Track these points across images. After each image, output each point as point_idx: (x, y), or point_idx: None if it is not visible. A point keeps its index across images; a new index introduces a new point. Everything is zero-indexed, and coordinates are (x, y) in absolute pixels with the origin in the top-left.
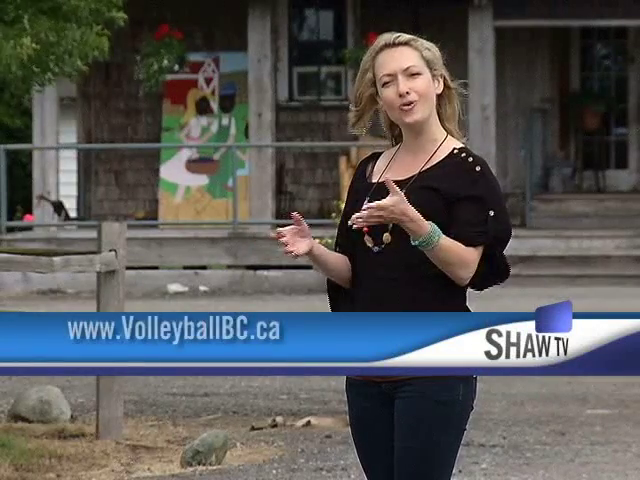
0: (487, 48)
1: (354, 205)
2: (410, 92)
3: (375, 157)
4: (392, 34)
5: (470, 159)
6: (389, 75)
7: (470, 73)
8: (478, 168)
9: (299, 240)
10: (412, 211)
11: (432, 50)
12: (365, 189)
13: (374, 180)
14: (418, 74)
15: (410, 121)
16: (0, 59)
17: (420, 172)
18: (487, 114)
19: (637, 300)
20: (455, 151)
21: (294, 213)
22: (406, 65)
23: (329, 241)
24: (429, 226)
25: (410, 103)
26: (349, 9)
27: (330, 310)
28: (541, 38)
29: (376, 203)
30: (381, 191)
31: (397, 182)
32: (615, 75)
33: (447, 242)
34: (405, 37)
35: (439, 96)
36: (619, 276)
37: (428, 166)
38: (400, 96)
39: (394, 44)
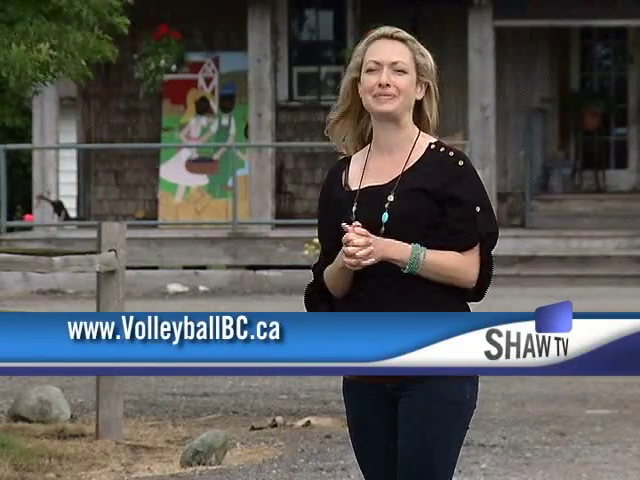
0: (487, 48)
1: (339, 216)
2: (391, 85)
3: (345, 163)
4: (393, 27)
5: (451, 154)
6: (376, 63)
7: (470, 73)
8: (461, 163)
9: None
10: (385, 240)
11: (426, 57)
12: (347, 198)
13: (353, 188)
14: (404, 72)
15: (380, 109)
16: (13, 62)
17: (403, 173)
18: (487, 114)
19: (637, 300)
20: (432, 146)
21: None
22: (395, 59)
23: None
24: (410, 246)
25: (387, 96)
26: (349, 9)
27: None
28: (541, 38)
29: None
30: (366, 198)
31: (380, 187)
32: (615, 75)
33: (434, 254)
34: (405, 34)
35: (420, 102)
36: (619, 276)
37: (409, 165)
38: (380, 86)
39: (391, 37)
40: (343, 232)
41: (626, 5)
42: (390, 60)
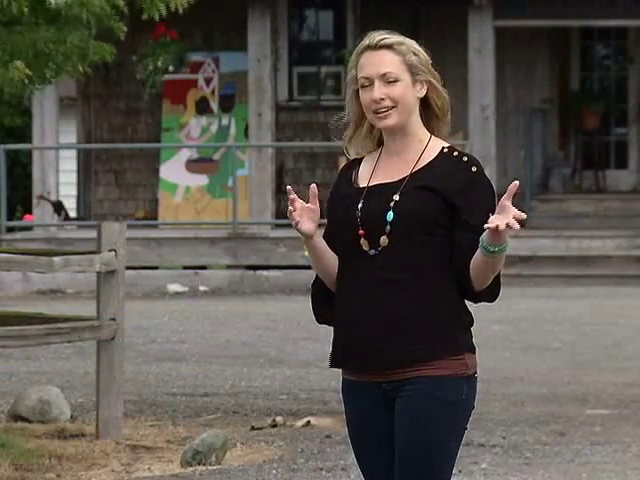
0: (487, 48)
1: (345, 210)
2: (385, 98)
3: (356, 163)
4: (378, 34)
5: (465, 158)
6: (367, 79)
7: (470, 73)
8: (474, 169)
9: (307, 220)
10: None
11: (418, 54)
12: (355, 194)
13: (362, 185)
14: (396, 80)
15: (382, 126)
16: None
17: (412, 173)
18: (487, 114)
19: (637, 300)
20: (445, 150)
21: (313, 186)
22: (383, 71)
23: None
24: None
25: (385, 109)
26: (349, 9)
27: (314, 314)
28: (541, 38)
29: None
30: (373, 195)
31: (388, 185)
32: (615, 75)
33: None
34: (389, 40)
35: (423, 98)
36: (619, 276)
37: (419, 167)
38: (375, 102)
39: (376, 47)
40: (341, 227)
41: (626, 5)
42: (378, 73)
